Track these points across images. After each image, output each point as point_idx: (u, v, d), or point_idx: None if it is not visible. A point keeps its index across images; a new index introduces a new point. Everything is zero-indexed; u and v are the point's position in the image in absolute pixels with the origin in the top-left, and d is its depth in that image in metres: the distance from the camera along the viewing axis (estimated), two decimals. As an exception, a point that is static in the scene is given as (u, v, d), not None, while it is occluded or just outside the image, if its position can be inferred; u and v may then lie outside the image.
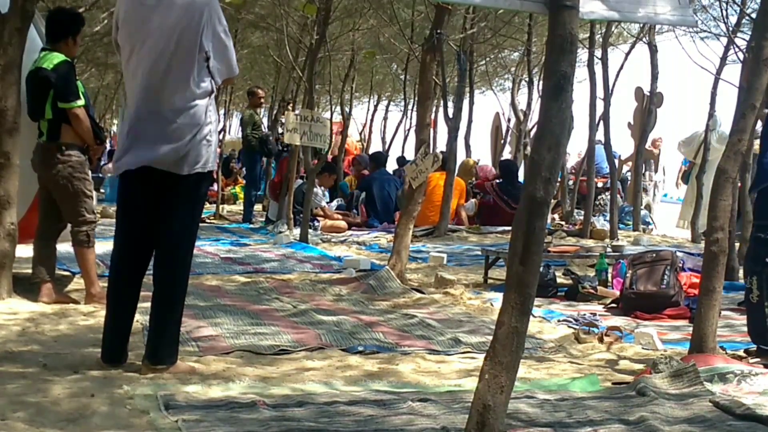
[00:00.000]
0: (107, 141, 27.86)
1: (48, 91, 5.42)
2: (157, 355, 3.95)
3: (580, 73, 12.61)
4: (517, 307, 2.86)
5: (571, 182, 14.09)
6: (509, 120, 17.66)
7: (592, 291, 6.69)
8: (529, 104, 15.86)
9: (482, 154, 18.68)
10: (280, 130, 13.28)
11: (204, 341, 4.65)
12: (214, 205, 14.16)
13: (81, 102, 5.46)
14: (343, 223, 11.80)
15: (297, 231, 10.37)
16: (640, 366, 4.38)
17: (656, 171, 16.13)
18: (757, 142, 5.44)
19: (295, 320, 5.36)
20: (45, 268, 5.67)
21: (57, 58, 5.45)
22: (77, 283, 6.31)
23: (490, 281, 7.36)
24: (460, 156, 14.10)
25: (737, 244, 8.21)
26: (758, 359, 4.54)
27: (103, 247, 8.22)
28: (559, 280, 7.04)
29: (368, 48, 15.54)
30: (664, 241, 10.84)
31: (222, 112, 18.12)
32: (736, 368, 4.11)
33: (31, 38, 5.64)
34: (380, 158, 14.51)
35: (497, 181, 12.78)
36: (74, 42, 5.59)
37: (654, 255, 6.46)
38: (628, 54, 13.29)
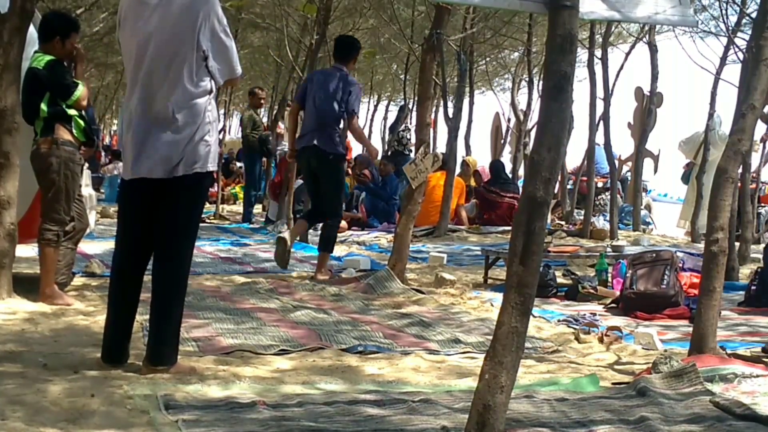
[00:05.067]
0: (107, 140, 27.93)
1: (42, 91, 5.46)
2: (157, 356, 3.94)
3: (580, 72, 12.64)
4: (517, 307, 2.86)
5: (571, 182, 14.10)
6: (509, 120, 17.66)
7: (592, 291, 6.69)
8: (529, 104, 15.86)
9: (482, 154, 18.68)
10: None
11: (203, 341, 4.65)
12: (214, 205, 14.16)
13: (80, 88, 5.52)
14: (343, 223, 11.78)
15: (297, 231, 10.36)
16: (640, 366, 4.38)
17: (656, 172, 16.12)
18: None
19: (295, 320, 5.36)
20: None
21: (46, 58, 5.50)
22: (77, 283, 6.31)
23: (490, 281, 7.36)
24: (460, 156, 14.15)
25: (737, 244, 8.21)
26: None
27: (103, 246, 8.25)
28: (559, 280, 7.03)
29: (368, 48, 15.54)
30: (664, 241, 10.84)
31: (222, 112, 18.12)
32: (736, 368, 4.10)
33: (33, 39, 5.66)
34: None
35: (487, 180, 13.04)
36: (62, 43, 5.58)
37: (654, 255, 6.46)
38: (628, 54, 13.30)
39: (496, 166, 13.85)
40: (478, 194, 13.00)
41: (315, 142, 7.06)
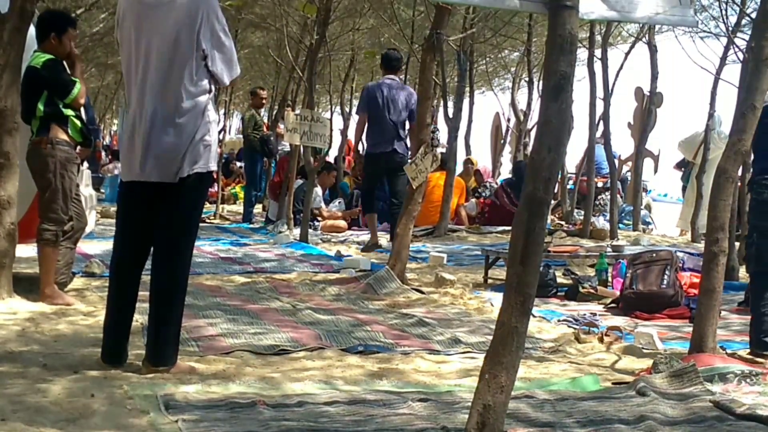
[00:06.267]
0: (107, 140, 27.93)
1: (40, 90, 5.47)
2: (157, 356, 3.95)
3: (580, 71, 12.61)
4: (517, 307, 2.86)
5: (571, 182, 14.09)
6: (509, 120, 17.67)
7: (592, 291, 6.69)
8: (529, 104, 15.86)
9: (482, 154, 18.68)
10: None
11: (204, 341, 4.65)
12: (214, 205, 14.16)
13: (78, 86, 5.53)
14: (343, 223, 11.79)
15: (297, 231, 10.38)
16: (640, 366, 4.38)
17: (656, 172, 16.13)
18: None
19: (295, 320, 5.36)
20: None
21: (43, 57, 5.51)
22: (77, 283, 6.31)
23: (490, 281, 7.36)
24: (460, 156, 14.10)
25: (737, 244, 8.21)
26: None
27: (103, 246, 8.25)
28: (559, 280, 7.04)
29: (368, 48, 15.54)
30: (664, 241, 10.84)
31: (222, 112, 18.12)
32: (736, 368, 4.11)
33: (33, 39, 5.67)
34: None
35: (507, 177, 12.82)
36: (59, 40, 5.57)
37: (653, 255, 6.47)
38: (628, 54, 13.29)
39: (520, 169, 13.08)
40: (495, 192, 12.88)
41: (394, 147, 8.67)
